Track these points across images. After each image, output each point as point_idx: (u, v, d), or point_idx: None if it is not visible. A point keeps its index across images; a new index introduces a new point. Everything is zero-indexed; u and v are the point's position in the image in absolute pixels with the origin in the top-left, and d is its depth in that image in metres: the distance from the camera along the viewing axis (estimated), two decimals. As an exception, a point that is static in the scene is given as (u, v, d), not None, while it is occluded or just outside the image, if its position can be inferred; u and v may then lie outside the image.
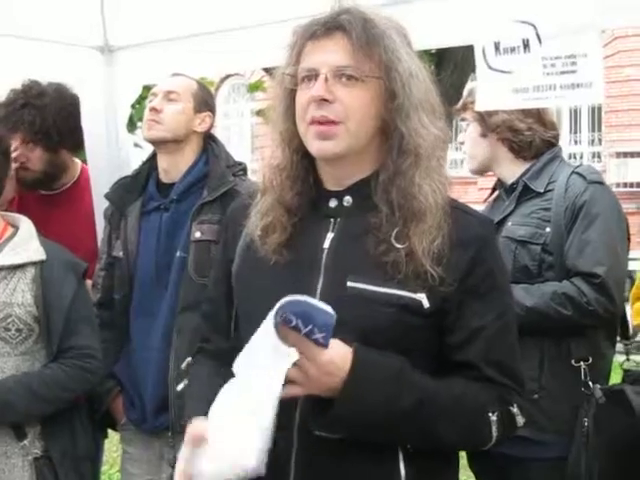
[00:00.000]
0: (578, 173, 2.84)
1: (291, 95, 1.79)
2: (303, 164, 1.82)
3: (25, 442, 2.60)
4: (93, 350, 2.69)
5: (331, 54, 1.71)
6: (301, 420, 1.69)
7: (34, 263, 2.64)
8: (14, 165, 3.36)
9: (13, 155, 3.36)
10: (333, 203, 1.80)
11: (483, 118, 2.96)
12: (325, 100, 1.70)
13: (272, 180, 1.83)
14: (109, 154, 3.58)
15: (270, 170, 1.84)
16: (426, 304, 1.69)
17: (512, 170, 2.96)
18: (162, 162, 3.03)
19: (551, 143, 2.97)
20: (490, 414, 1.71)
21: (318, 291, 1.73)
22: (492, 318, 1.74)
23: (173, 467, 2.96)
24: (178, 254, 2.91)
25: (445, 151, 1.78)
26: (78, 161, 3.62)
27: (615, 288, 2.72)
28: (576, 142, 17.61)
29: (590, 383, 2.71)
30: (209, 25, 3.27)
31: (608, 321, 2.79)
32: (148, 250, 2.99)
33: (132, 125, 6.36)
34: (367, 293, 1.70)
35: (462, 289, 1.71)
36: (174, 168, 3.01)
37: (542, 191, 2.85)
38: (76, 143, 3.46)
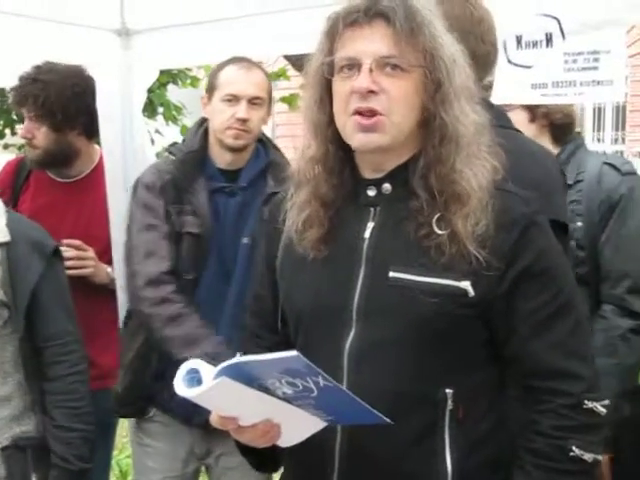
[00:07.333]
0: (609, 164, 2.77)
1: (325, 84, 1.74)
2: (338, 155, 1.77)
3: None
4: (71, 336, 2.54)
5: (374, 43, 1.65)
6: None
7: None
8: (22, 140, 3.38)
9: (21, 131, 3.37)
10: (372, 192, 1.75)
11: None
12: (371, 92, 1.65)
13: (307, 173, 1.79)
14: (123, 139, 3.54)
15: (304, 162, 1.79)
16: (471, 292, 1.63)
17: None
18: (230, 157, 2.93)
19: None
20: (572, 451, 1.62)
21: (359, 282, 1.70)
22: (545, 301, 1.66)
23: (201, 460, 3.00)
24: (245, 241, 2.87)
25: (485, 135, 1.72)
26: (97, 147, 3.55)
27: None
28: (599, 140, 17.45)
29: None
30: (229, 10, 3.23)
31: None
32: (219, 231, 2.90)
33: (152, 111, 6.31)
34: (410, 283, 1.65)
35: (510, 273, 1.64)
36: (240, 160, 2.95)
37: (571, 183, 2.75)
38: (87, 127, 3.39)
